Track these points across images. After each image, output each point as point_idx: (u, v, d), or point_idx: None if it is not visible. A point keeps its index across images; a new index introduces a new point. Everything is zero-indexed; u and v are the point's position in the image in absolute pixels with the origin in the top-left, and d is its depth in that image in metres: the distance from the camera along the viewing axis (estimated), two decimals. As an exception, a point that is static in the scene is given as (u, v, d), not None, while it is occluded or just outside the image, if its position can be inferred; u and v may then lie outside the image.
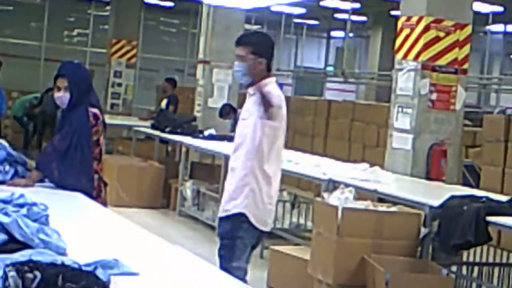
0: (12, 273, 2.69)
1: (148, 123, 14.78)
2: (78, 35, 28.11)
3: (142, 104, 21.31)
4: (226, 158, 7.26)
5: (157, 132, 13.30)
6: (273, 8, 19.62)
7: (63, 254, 3.56)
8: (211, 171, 12.00)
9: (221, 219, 5.76)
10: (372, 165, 8.78)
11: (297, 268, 7.55)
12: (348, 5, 18.62)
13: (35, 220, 3.88)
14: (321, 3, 20.74)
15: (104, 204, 5.63)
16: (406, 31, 10.19)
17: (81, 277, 2.60)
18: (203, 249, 8.46)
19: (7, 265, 2.79)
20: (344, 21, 23.38)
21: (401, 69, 10.21)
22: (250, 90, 5.66)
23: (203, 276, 3.72)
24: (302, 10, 22.55)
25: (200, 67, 15.81)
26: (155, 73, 24.43)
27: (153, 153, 13.83)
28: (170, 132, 12.61)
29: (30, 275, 2.65)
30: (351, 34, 22.23)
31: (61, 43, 26.99)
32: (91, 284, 2.53)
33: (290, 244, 9.16)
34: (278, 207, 11.39)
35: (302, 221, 11.23)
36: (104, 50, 22.80)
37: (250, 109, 5.66)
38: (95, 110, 5.84)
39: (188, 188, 11.67)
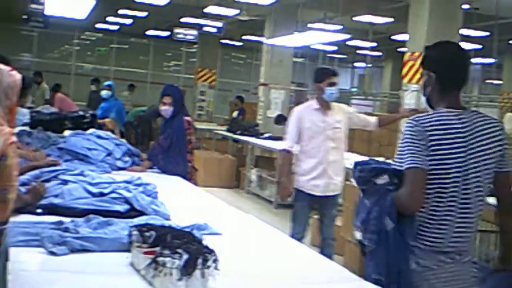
0: (135, 232, 2.71)
1: (224, 128, 14.80)
2: (174, 66, 28.22)
3: (219, 114, 21.33)
4: (279, 152, 7.16)
5: (230, 134, 13.31)
6: (313, 46, 19.51)
7: (168, 219, 3.58)
8: (269, 162, 11.96)
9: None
10: (386, 158, 8.72)
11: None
12: (367, 44, 18.45)
13: (148, 195, 3.91)
14: (348, 43, 20.62)
15: (196, 184, 5.65)
16: (410, 63, 10.26)
17: (184, 235, 2.60)
18: (264, 217, 8.43)
19: (131, 227, 2.82)
20: (364, 55, 23.22)
21: (406, 90, 10.33)
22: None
23: (266, 235, 3.71)
24: (334, 48, 22.45)
25: (261, 88, 15.82)
26: (229, 92, 24.43)
27: (228, 149, 13.88)
28: (240, 134, 12.59)
29: (147, 234, 2.66)
30: (369, 65, 22.06)
31: (161, 71, 27.16)
32: (190, 240, 2.53)
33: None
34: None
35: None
36: (192, 76, 22.88)
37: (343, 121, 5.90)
38: (188, 118, 5.89)
39: (253, 174, 11.68)
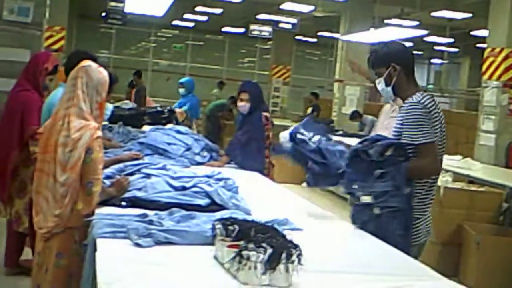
0: (218, 226, 2.73)
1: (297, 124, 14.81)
2: (248, 62, 28.38)
3: (293, 111, 21.33)
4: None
5: (305, 131, 13.30)
6: (389, 42, 19.30)
7: (249, 214, 3.59)
8: (344, 159, 11.91)
9: None
10: (464, 156, 8.59)
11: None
12: (444, 40, 18.13)
13: (228, 190, 3.94)
14: (425, 39, 20.29)
15: (273, 179, 5.67)
16: (490, 59, 10.03)
17: (267, 230, 2.61)
18: (339, 213, 8.38)
19: (214, 220, 2.85)
20: (441, 51, 22.82)
21: (486, 87, 10.16)
22: None
23: (345, 231, 3.69)
24: (410, 44, 22.13)
25: (336, 84, 15.74)
26: (303, 88, 24.38)
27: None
28: (315, 131, 12.55)
29: (231, 227, 2.68)
30: (446, 61, 21.66)
31: (236, 67, 27.34)
32: (274, 235, 2.54)
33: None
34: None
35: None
36: (266, 73, 22.98)
37: None
38: (266, 114, 5.91)
39: (327, 171, 11.63)
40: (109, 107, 3.93)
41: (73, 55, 4.93)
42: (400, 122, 3.65)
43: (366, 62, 4.25)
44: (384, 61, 3.78)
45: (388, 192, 3.53)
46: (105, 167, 3.92)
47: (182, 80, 11.14)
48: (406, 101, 3.68)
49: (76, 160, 3.37)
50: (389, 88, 3.80)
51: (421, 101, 3.58)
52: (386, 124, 5.17)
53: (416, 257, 3.40)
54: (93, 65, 3.66)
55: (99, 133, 3.50)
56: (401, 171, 3.53)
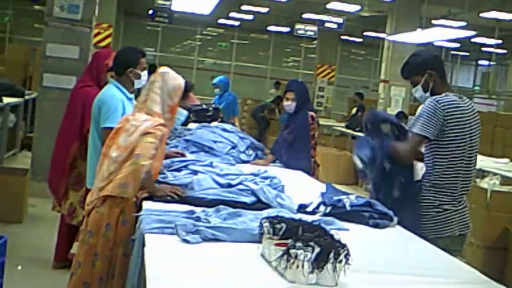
0: (266, 224, 2.74)
1: (342, 124, 14.74)
2: (293, 61, 28.34)
3: (338, 111, 21.27)
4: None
5: (349, 131, 13.24)
6: (436, 43, 19.10)
7: (294, 213, 3.59)
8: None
9: None
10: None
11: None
12: (492, 41, 17.87)
13: (274, 188, 3.94)
14: (472, 40, 20.03)
15: (318, 179, 5.66)
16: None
17: (315, 229, 2.61)
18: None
19: (262, 218, 2.86)
20: (489, 53, 22.50)
21: None
22: None
23: (392, 232, 3.66)
24: (457, 45, 21.88)
25: (381, 85, 15.62)
26: (347, 88, 24.28)
27: (346, 145, 13.79)
28: (359, 131, 12.50)
29: (278, 226, 2.69)
30: (494, 63, 21.35)
31: (280, 66, 27.33)
32: (322, 234, 2.53)
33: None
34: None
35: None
36: (310, 72, 22.92)
37: None
38: (312, 113, 5.90)
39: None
40: (183, 112, 4.08)
41: (121, 51, 4.99)
42: None
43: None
44: (419, 69, 4.07)
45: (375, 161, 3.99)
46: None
47: (214, 81, 11.10)
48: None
49: (131, 142, 3.62)
50: (428, 94, 4.05)
51: (437, 99, 3.90)
52: None
53: (444, 249, 3.44)
54: (170, 72, 3.92)
55: (163, 129, 3.68)
56: (383, 145, 3.98)
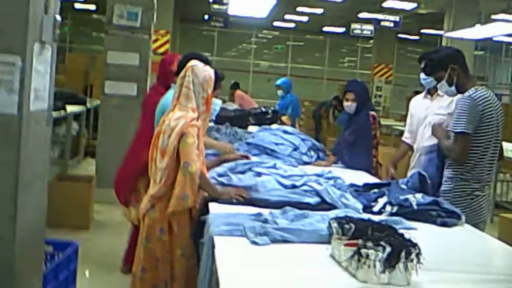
0: (335, 224, 2.74)
1: (401, 123, 14.58)
2: (349, 61, 28.21)
3: (396, 110, 21.07)
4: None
5: (409, 130, 13.09)
6: (495, 38, 18.75)
7: (359, 213, 3.57)
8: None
9: None
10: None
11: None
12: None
13: (338, 189, 3.93)
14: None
15: (380, 179, 5.60)
16: None
17: (384, 229, 2.60)
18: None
19: (330, 219, 2.85)
20: (551, 46, 21.97)
21: None
22: None
23: (460, 231, 3.61)
24: (518, 38, 21.42)
25: (440, 82, 15.41)
26: (405, 87, 24.02)
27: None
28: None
29: (347, 226, 2.68)
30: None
31: (337, 67, 27.23)
32: (392, 233, 2.52)
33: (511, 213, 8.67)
34: (503, 185, 10.94)
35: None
36: (367, 72, 22.80)
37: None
38: (373, 113, 5.84)
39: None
40: (218, 102, 4.11)
41: (186, 56, 5.04)
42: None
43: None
44: (442, 65, 4.25)
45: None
46: (211, 167, 4.13)
47: (278, 82, 11.16)
48: (463, 95, 4.17)
49: (171, 146, 3.65)
50: (453, 87, 4.25)
51: (472, 95, 4.06)
52: (432, 121, 5.07)
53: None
54: (199, 64, 3.91)
55: (196, 122, 3.69)
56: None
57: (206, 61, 4.30)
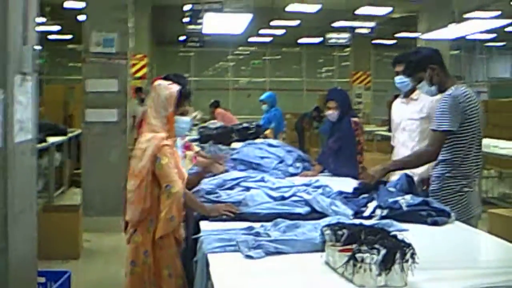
0: (327, 231, 2.75)
1: (383, 128, 14.66)
2: (326, 71, 28.33)
3: (377, 115, 21.18)
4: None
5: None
6: (469, 37, 18.92)
7: (350, 219, 3.58)
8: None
9: None
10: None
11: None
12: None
13: (328, 197, 3.95)
14: (507, 29, 19.79)
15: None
16: None
17: (377, 232, 2.61)
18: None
19: (323, 226, 2.87)
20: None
21: None
22: None
23: (446, 227, 3.64)
24: (493, 35, 21.63)
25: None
26: (384, 92, 24.14)
27: (389, 149, 13.65)
28: (403, 134, 12.40)
29: (340, 232, 2.70)
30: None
31: (315, 78, 27.35)
32: (385, 236, 2.53)
33: (499, 208, 8.73)
34: (488, 181, 11.02)
35: (507, 191, 10.88)
36: (346, 80, 22.91)
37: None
38: (356, 119, 5.88)
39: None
40: (186, 120, 4.06)
41: (164, 79, 5.05)
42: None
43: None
44: (421, 65, 4.31)
45: None
46: (195, 183, 4.14)
47: (262, 97, 11.21)
48: (444, 94, 4.20)
49: (141, 168, 3.67)
50: (433, 87, 4.31)
51: (453, 94, 4.11)
52: (405, 126, 5.27)
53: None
54: (163, 82, 3.95)
55: (166, 141, 3.73)
56: None
57: (178, 79, 4.30)
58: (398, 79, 5.30)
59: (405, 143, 5.28)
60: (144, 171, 3.66)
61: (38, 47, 3.42)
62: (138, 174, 3.68)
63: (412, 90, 5.20)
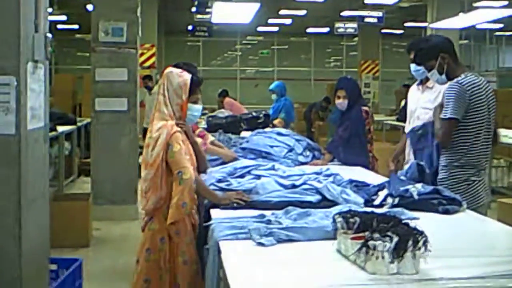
0: (339, 219, 2.75)
1: (392, 118, 14.63)
2: (335, 61, 28.30)
3: (385, 105, 21.15)
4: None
5: (401, 123, 13.11)
6: (479, 26, 18.83)
7: (360, 207, 3.58)
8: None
9: None
10: None
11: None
12: (538, 17, 17.54)
13: (338, 185, 3.96)
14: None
15: (377, 173, 5.62)
16: None
17: (389, 219, 2.61)
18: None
19: (335, 214, 2.87)
20: (535, 30, 22.09)
21: None
22: None
23: (457, 215, 3.64)
24: (500, 25, 21.52)
25: (428, 74, 15.47)
26: (393, 82, 24.13)
27: (399, 138, 13.64)
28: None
29: (352, 220, 2.70)
30: (540, 39, 20.95)
31: (323, 67, 27.31)
32: (397, 223, 2.53)
33: (509, 197, 8.71)
34: (498, 171, 10.99)
35: (517, 180, 10.93)
36: (354, 69, 22.86)
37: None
38: (365, 108, 5.88)
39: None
40: (198, 108, 4.02)
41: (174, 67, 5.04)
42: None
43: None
44: (432, 54, 4.30)
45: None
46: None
47: (271, 86, 11.16)
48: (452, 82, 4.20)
49: (155, 157, 3.66)
50: (443, 76, 4.30)
51: (460, 81, 4.11)
52: (419, 115, 5.15)
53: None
54: (174, 70, 3.90)
55: (176, 128, 3.70)
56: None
57: (188, 67, 4.29)
58: (414, 67, 5.12)
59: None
60: (158, 159, 3.65)
61: (49, 35, 3.43)
62: (153, 163, 3.67)
63: (428, 77, 5.12)
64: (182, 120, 3.85)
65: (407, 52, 5.26)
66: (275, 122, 9.74)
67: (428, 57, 4.33)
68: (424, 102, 5.13)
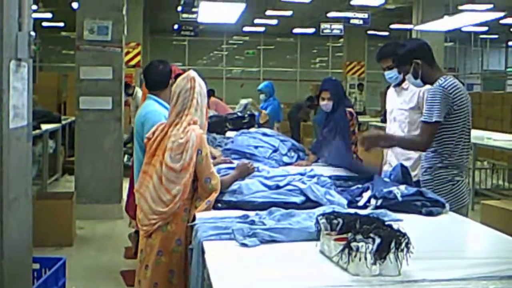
0: (322, 220, 2.75)
1: (377, 119, 14.68)
2: (320, 61, 28.35)
3: (371, 106, 21.22)
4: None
5: (386, 125, 13.15)
6: (464, 29, 18.92)
7: (344, 208, 3.59)
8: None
9: None
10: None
11: (504, 215, 7.26)
12: (522, 21, 17.68)
13: (322, 186, 3.96)
14: (501, 22, 19.80)
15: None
16: None
17: (372, 221, 2.61)
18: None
19: (318, 215, 2.87)
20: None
21: None
22: None
23: (441, 217, 3.65)
24: (485, 28, 21.64)
25: (413, 76, 15.54)
26: (378, 83, 24.19)
27: (383, 140, 13.69)
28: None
29: (335, 221, 2.70)
30: (524, 42, 21.10)
31: (309, 68, 27.35)
32: (380, 225, 2.54)
33: (492, 200, 8.78)
34: (481, 173, 11.05)
35: (500, 182, 10.93)
36: (339, 70, 22.92)
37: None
38: (350, 109, 5.89)
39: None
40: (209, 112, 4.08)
41: (152, 67, 5.00)
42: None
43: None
44: (406, 59, 4.37)
45: None
46: None
47: (260, 86, 11.19)
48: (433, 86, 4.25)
49: (189, 161, 3.58)
50: (418, 80, 4.39)
51: (442, 84, 4.16)
52: (395, 116, 5.30)
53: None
54: (196, 73, 3.86)
55: (201, 131, 3.67)
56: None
57: (164, 66, 4.25)
58: (387, 74, 5.35)
59: (396, 133, 5.28)
60: (192, 163, 3.58)
61: (33, 33, 3.41)
62: (187, 167, 3.58)
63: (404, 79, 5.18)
64: (206, 121, 3.85)
65: (377, 61, 5.41)
66: (261, 113, 9.78)
67: (402, 62, 4.43)
68: (399, 104, 5.28)
